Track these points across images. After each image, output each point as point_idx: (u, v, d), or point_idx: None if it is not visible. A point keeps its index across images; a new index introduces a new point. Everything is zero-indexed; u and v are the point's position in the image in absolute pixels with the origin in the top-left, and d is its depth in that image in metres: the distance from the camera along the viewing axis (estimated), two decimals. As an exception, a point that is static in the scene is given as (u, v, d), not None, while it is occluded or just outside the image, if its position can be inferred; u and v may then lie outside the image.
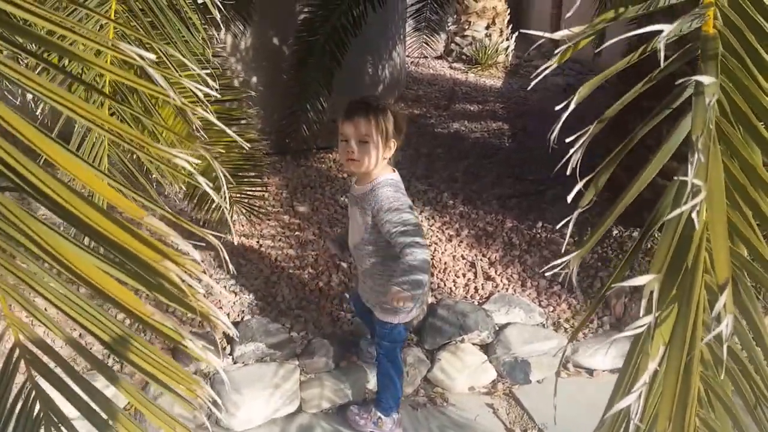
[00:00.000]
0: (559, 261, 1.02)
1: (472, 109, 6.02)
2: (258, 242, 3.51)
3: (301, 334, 2.89)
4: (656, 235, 1.04)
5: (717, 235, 0.93)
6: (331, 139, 4.99)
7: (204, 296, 0.80)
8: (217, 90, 1.08)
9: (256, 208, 3.15)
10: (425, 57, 7.35)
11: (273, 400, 2.56)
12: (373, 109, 2.11)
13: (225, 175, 0.90)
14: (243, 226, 3.58)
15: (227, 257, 0.90)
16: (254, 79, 4.70)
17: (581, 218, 1.02)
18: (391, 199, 2.12)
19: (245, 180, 2.87)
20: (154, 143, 0.87)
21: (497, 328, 2.97)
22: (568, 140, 1.01)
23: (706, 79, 0.93)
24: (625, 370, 1.00)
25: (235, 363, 2.71)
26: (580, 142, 1.02)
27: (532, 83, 1.20)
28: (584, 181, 1.03)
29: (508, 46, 7.75)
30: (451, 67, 7.30)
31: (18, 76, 0.82)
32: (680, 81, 0.99)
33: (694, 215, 0.88)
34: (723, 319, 0.85)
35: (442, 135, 5.31)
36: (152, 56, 0.81)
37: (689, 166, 0.88)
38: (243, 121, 2.69)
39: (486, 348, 2.92)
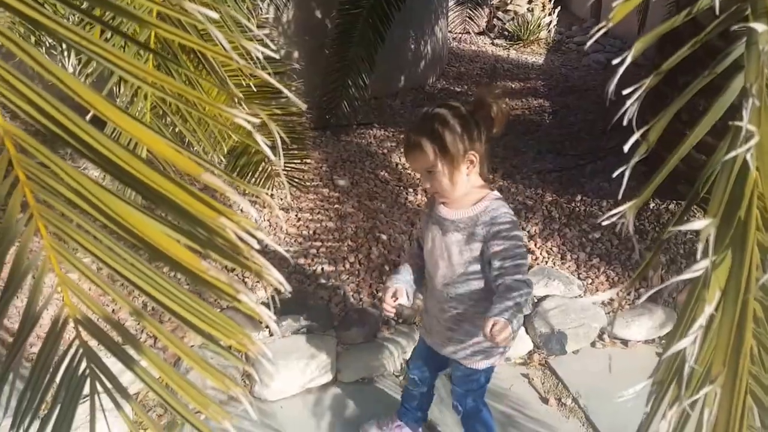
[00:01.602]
0: (615, 210, 1.02)
1: (513, 86, 5.98)
2: (297, 215, 3.58)
3: (339, 306, 2.95)
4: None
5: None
6: (372, 115, 5.03)
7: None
8: (263, 59, 1.08)
9: (298, 180, 3.21)
10: (468, 33, 7.30)
11: (308, 370, 2.62)
12: (426, 133, 1.79)
13: (281, 136, 0.91)
14: (282, 199, 3.66)
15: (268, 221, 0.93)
16: (296, 54, 4.74)
17: (618, 191, 1.02)
18: (513, 221, 1.84)
19: (287, 152, 2.92)
20: (212, 101, 0.90)
21: (535, 300, 2.99)
22: (625, 92, 1.00)
23: (759, 27, 0.93)
24: (682, 316, 1.01)
25: (271, 335, 2.78)
26: (636, 95, 1.01)
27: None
28: (640, 131, 1.02)
29: (550, 22, 7.65)
30: (493, 44, 7.24)
31: (69, 34, 0.86)
32: (735, 27, 0.98)
33: (748, 157, 0.88)
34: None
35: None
36: (215, 15, 0.79)
37: (743, 111, 0.88)
38: (286, 97, 2.74)
39: (523, 319, 2.94)
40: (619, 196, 0.97)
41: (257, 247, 0.80)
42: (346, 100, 4.52)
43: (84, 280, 0.93)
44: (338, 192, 3.85)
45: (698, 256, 0.92)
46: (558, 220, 3.56)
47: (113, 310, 2.72)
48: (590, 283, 3.12)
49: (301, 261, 3.21)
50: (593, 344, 2.91)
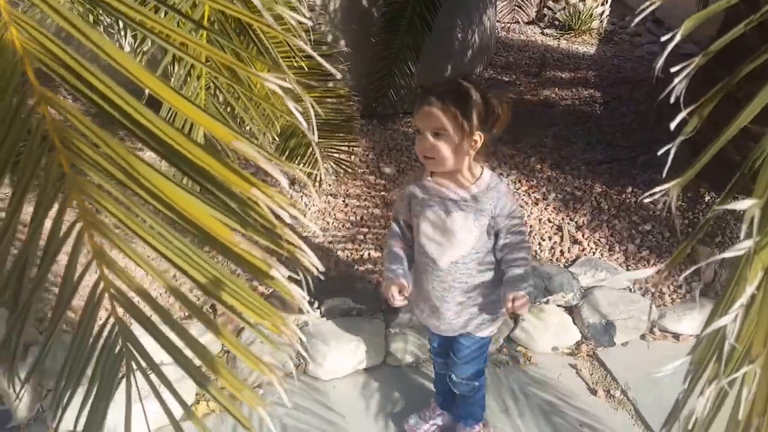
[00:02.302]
0: (658, 189, 1.00)
1: (563, 76, 5.88)
2: (344, 201, 3.59)
3: (387, 290, 2.95)
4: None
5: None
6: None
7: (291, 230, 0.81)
8: (312, 43, 1.09)
9: (345, 164, 3.22)
10: (517, 22, 7.20)
11: (359, 352, 2.65)
12: (452, 94, 1.79)
13: (326, 119, 0.91)
14: (330, 185, 3.67)
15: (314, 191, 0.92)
16: (342, 42, 4.75)
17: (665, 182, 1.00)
18: (513, 201, 1.93)
19: (335, 135, 2.93)
20: (255, 72, 0.91)
21: (583, 291, 2.95)
22: (673, 69, 0.98)
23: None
24: (723, 294, 0.99)
25: (322, 316, 2.80)
26: (685, 72, 0.99)
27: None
28: (688, 110, 1.00)
29: (602, 12, 7.50)
30: (542, 33, 7.13)
31: (126, 9, 0.88)
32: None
33: None
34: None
35: (531, 102, 5.23)
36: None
37: None
38: (334, 78, 2.75)
39: (571, 310, 2.90)
40: (663, 174, 0.96)
41: (290, 221, 0.79)
42: (393, 88, 4.50)
43: (123, 257, 0.93)
44: (384, 179, 3.84)
45: (742, 235, 0.90)
46: (607, 212, 3.49)
47: (158, 295, 2.77)
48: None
49: (349, 246, 3.23)
50: (643, 337, 2.85)
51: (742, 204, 0.92)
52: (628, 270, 3.08)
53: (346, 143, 3.11)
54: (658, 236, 3.27)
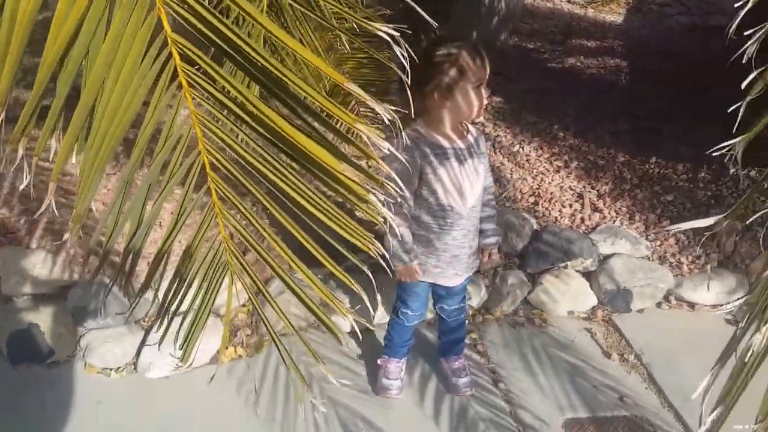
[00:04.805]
0: (726, 143, 1.04)
1: (589, 45, 5.85)
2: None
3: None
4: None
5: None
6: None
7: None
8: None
9: (380, 125, 3.27)
10: (543, -11, 7.14)
11: (381, 307, 2.71)
12: (476, 48, 1.98)
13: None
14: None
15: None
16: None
17: (697, 155, 1.04)
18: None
19: (376, 95, 2.96)
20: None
21: (602, 258, 3.00)
22: (746, 33, 1.00)
23: None
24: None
25: (346, 270, 2.86)
26: (758, 35, 1.01)
27: None
28: (757, 71, 1.02)
29: (631, -18, 7.41)
30: (569, 1, 7.07)
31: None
32: None
33: None
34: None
35: (556, 70, 5.22)
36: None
37: None
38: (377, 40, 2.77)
39: (589, 275, 2.95)
40: (734, 129, 1.00)
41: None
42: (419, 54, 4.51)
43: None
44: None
45: None
46: (629, 181, 3.52)
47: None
48: (659, 245, 3.10)
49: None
50: (659, 305, 2.91)
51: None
52: (647, 239, 3.12)
53: (386, 104, 3.16)
54: (680, 206, 3.30)
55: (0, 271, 2.53)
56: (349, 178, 0.88)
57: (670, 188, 3.42)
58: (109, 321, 2.46)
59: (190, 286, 1.05)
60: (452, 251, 2.12)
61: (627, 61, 5.38)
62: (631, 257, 3.00)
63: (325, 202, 0.95)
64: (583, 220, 3.24)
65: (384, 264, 0.97)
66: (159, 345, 1.05)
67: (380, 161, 0.88)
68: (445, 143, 2.03)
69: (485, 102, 2.00)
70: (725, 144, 1.03)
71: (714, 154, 1.11)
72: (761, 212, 0.97)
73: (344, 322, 2.66)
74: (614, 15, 6.69)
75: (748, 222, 3.07)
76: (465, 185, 2.05)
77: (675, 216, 3.24)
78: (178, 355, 1.08)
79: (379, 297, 2.70)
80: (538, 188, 3.45)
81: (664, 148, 3.77)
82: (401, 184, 2.00)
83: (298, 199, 0.94)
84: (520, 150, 3.81)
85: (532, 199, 3.37)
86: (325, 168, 0.89)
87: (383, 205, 0.91)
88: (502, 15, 5.71)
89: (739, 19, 1.00)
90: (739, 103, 1.00)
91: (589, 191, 3.44)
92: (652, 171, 3.59)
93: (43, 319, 2.41)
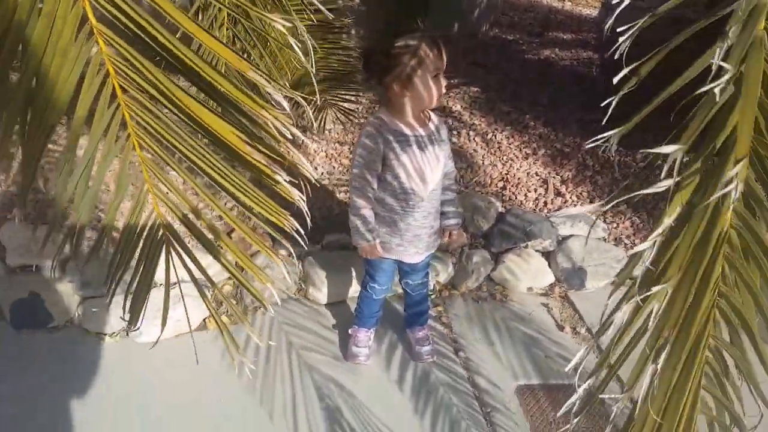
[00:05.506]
0: (601, 135, 1.20)
1: (565, 37, 6.07)
2: (350, 148, 3.86)
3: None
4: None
5: (744, 120, 1.07)
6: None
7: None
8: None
9: (349, 111, 3.48)
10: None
11: (354, 282, 2.95)
12: (433, 39, 2.11)
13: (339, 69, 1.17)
14: (338, 134, 3.93)
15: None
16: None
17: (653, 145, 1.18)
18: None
19: (340, 84, 3.17)
20: (265, 13, 1.15)
21: (560, 239, 3.24)
22: (620, 29, 1.14)
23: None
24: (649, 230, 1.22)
25: (323, 249, 3.09)
26: (630, 32, 1.16)
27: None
28: (629, 68, 1.18)
29: (611, -25, 7.61)
30: (549, -6, 7.28)
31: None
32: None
33: (717, 90, 1.02)
34: (733, 183, 1.02)
35: (532, 61, 5.44)
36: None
37: (717, 50, 1.04)
38: (339, 31, 2.97)
39: (548, 255, 3.19)
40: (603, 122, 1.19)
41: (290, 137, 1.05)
42: (400, 43, 4.69)
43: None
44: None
45: (662, 175, 1.13)
46: (592, 168, 3.76)
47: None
48: (615, 227, 3.35)
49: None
50: (613, 282, 3.15)
51: (668, 148, 1.13)
52: (605, 222, 3.37)
53: (352, 93, 3.36)
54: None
55: (6, 244, 2.75)
56: (256, 159, 1.06)
57: (627, 174, 3.67)
58: (103, 290, 2.67)
59: (132, 254, 1.25)
60: (414, 231, 2.33)
61: (599, 53, 5.60)
62: (589, 238, 3.25)
63: (242, 181, 1.13)
64: (546, 203, 3.48)
65: (299, 238, 1.13)
66: (108, 303, 1.26)
67: (289, 145, 1.06)
68: (407, 131, 2.20)
69: (443, 90, 2.16)
70: (602, 136, 1.22)
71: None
72: (629, 195, 1.15)
73: (321, 295, 2.90)
74: (590, 9, 6.91)
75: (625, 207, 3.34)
76: (426, 171, 2.23)
77: (632, 201, 3.48)
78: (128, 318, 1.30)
79: (353, 272, 2.94)
80: (506, 174, 3.69)
81: (626, 137, 3.99)
82: (368, 163, 2.24)
83: (216, 176, 1.13)
84: (493, 138, 4.04)
85: (501, 184, 3.60)
86: (233, 149, 1.07)
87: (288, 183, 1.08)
88: (482, 7, 5.91)
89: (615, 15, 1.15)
90: (613, 98, 1.18)
91: (554, 177, 3.68)
92: (612, 158, 3.83)
93: (43, 288, 2.62)
